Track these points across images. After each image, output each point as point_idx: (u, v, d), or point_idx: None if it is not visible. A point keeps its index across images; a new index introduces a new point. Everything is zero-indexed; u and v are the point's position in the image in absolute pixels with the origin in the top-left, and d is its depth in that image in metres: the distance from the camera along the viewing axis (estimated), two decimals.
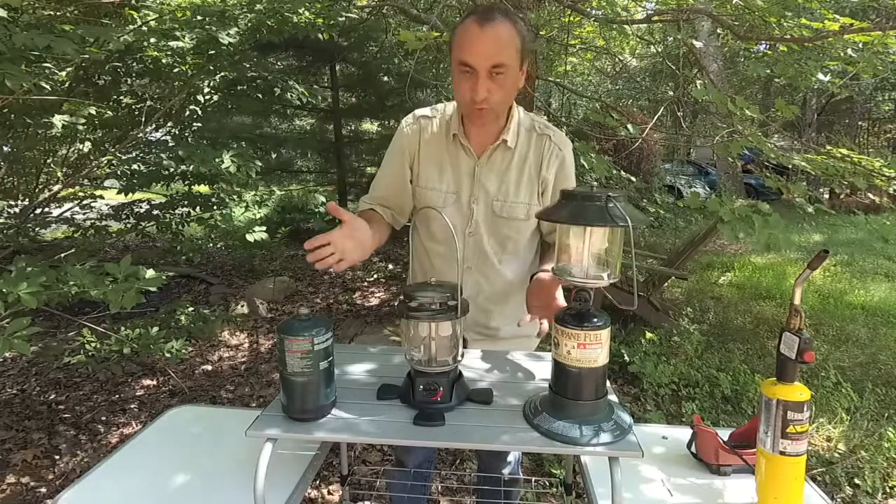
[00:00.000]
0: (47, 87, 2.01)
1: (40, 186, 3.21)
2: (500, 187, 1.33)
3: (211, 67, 2.96)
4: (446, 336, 1.05)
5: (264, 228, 2.90)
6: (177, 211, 3.24)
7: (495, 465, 1.55)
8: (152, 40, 2.57)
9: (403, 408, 1.05)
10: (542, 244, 1.44)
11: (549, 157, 1.33)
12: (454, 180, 1.34)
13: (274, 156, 6.79)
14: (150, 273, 1.76)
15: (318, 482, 2.27)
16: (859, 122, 15.22)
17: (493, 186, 1.32)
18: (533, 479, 2.15)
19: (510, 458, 1.55)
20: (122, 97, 3.11)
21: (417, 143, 1.34)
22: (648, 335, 3.56)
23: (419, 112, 1.37)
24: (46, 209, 3.15)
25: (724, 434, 1.17)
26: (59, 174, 3.24)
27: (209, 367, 3.43)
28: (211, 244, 3.60)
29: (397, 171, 1.37)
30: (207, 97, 3.25)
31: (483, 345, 1.41)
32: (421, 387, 1.03)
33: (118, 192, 3.08)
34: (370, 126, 7.65)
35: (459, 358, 1.08)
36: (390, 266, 5.62)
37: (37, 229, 3.06)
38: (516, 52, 1.17)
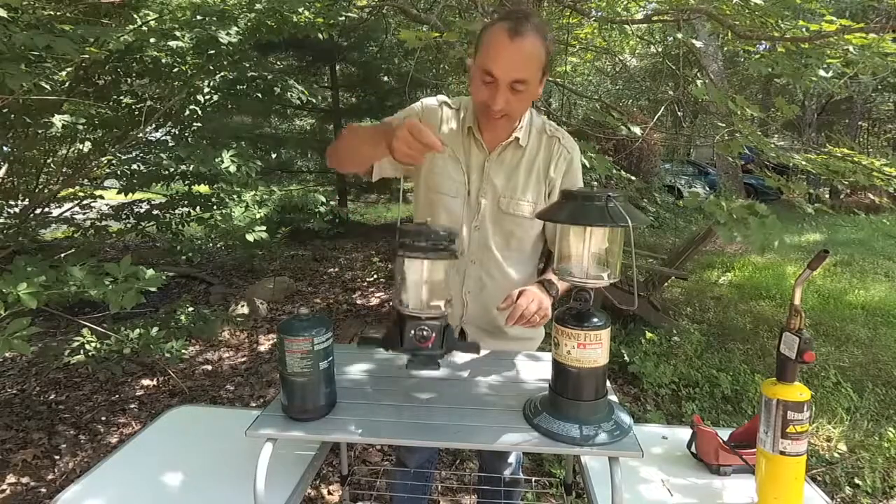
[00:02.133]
0: (47, 87, 2.01)
1: (40, 186, 3.21)
2: (508, 184, 1.34)
3: (211, 67, 2.95)
4: (439, 280, 1.03)
5: (264, 228, 2.90)
6: (177, 211, 3.23)
7: (496, 466, 1.55)
8: (152, 40, 2.56)
9: (404, 408, 1.05)
10: (548, 253, 1.44)
11: (558, 158, 1.34)
12: (465, 172, 1.35)
13: (274, 156, 6.79)
14: (150, 273, 1.76)
15: (318, 482, 2.27)
16: (859, 122, 15.21)
17: (500, 182, 1.33)
18: (533, 479, 2.15)
19: (511, 458, 1.55)
20: (122, 97, 3.10)
21: (438, 126, 1.35)
22: (648, 335, 3.56)
23: (442, 98, 1.39)
24: (46, 209, 3.14)
25: (724, 434, 1.17)
26: (59, 174, 3.24)
27: (209, 367, 3.43)
28: (211, 244, 3.59)
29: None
30: (207, 97, 3.24)
31: (487, 342, 1.41)
32: (412, 332, 1.01)
33: (118, 192, 3.08)
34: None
35: (451, 306, 1.07)
36: (390, 266, 5.62)
37: (37, 229, 3.05)
38: (539, 68, 1.18)
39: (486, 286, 1.39)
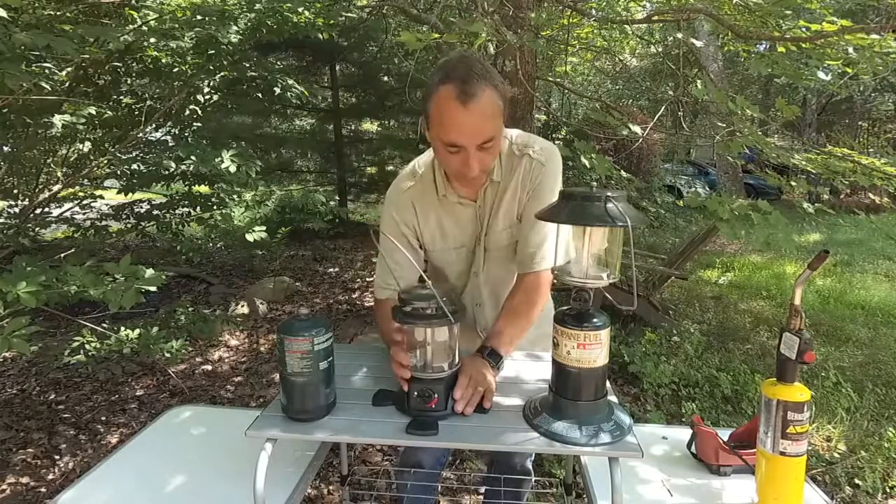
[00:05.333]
0: (47, 87, 2.01)
1: (40, 186, 3.21)
2: (495, 223, 1.32)
3: (211, 67, 2.95)
4: (442, 342, 1.04)
5: (264, 228, 2.90)
6: (177, 211, 3.24)
7: (508, 459, 1.55)
8: (152, 40, 2.57)
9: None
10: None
11: (531, 175, 1.28)
12: (460, 233, 1.34)
13: (274, 156, 6.79)
14: (149, 273, 1.75)
15: (318, 482, 2.27)
16: (859, 122, 15.20)
17: (490, 224, 1.32)
18: (533, 479, 2.15)
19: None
20: (122, 97, 3.11)
21: (415, 216, 1.32)
22: (648, 335, 3.56)
23: (403, 185, 1.33)
24: (46, 209, 3.15)
25: (724, 434, 1.17)
26: (59, 174, 3.24)
27: (209, 367, 3.43)
28: (211, 244, 3.59)
29: (409, 250, 1.31)
30: (207, 97, 3.24)
31: None
32: (415, 393, 1.01)
33: (118, 192, 3.08)
34: (370, 126, 7.66)
35: (456, 364, 1.06)
36: None
37: (37, 229, 3.05)
38: (500, 116, 1.13)
39: (500, 303, 1.39)
